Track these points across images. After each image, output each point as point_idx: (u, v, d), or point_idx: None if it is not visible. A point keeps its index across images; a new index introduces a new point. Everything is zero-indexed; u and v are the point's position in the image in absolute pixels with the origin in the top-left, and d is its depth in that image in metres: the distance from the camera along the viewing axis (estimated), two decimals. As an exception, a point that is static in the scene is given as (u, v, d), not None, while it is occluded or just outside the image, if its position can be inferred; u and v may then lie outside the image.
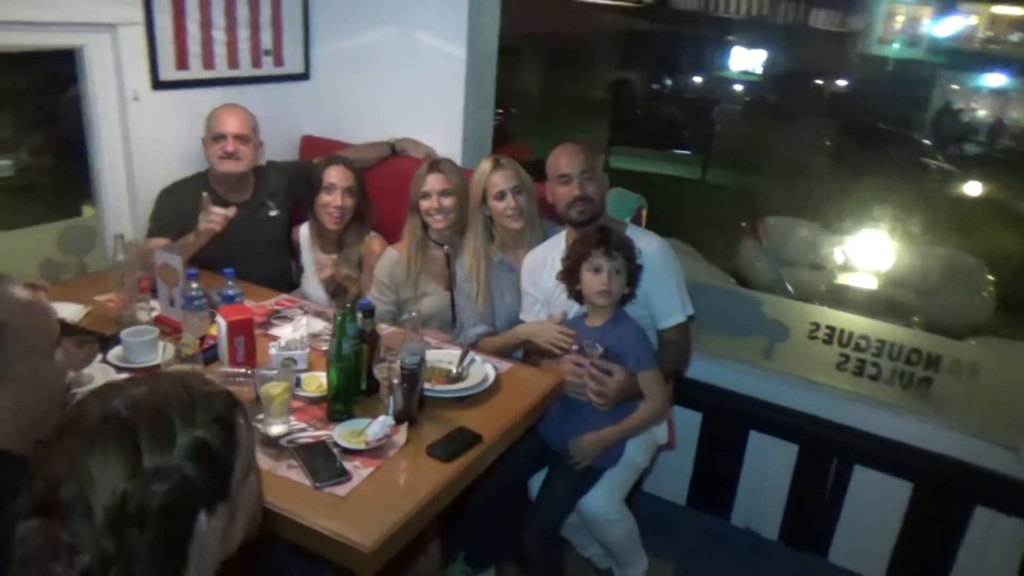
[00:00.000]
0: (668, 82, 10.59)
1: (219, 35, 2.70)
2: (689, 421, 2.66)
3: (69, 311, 2.13)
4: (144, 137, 2.55)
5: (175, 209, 2.47)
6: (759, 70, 10.77)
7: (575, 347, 2.09)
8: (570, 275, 2.07)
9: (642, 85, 9.95)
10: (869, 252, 5.10)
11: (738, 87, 10.78)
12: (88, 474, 0.74)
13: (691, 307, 2.21)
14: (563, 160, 2.18)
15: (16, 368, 1.13)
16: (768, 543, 2.66)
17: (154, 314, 2.13)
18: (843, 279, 4.69)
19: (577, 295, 2.09)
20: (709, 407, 2.64)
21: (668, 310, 2.18)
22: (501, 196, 2.31)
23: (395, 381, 1.72)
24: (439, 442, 1.67)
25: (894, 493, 2.38)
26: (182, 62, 2.60)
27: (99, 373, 1.81)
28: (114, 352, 1.90)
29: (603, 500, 2.06)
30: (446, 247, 2.47)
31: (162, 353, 1.90)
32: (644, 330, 2.11)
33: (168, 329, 2.06)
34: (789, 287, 4.00)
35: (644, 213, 2.55)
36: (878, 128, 9.57)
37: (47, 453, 0.77)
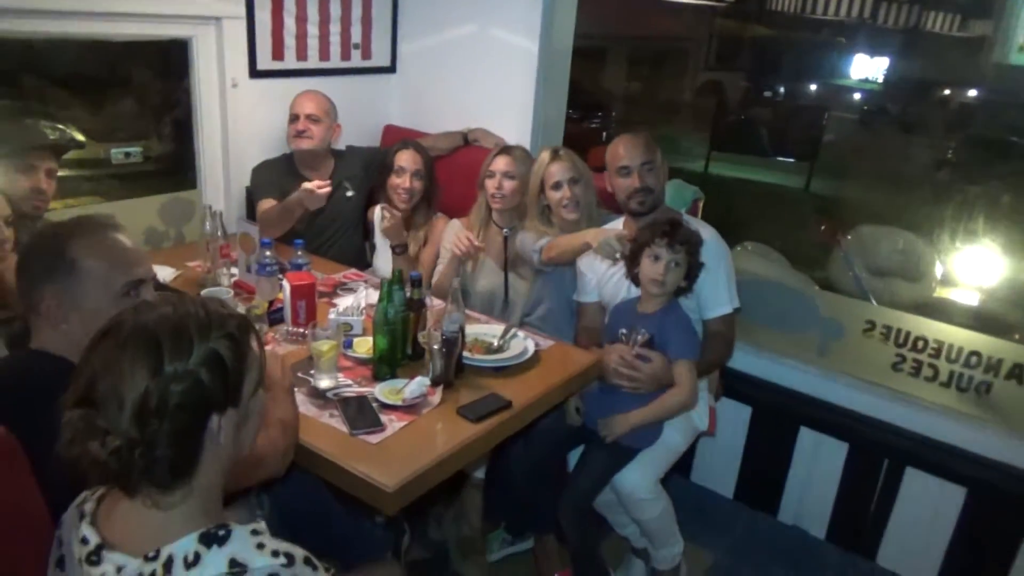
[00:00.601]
0: (773, 87, 10.28)
1: (312, 29, 2.93)
2: (739, 415, 2.67)
3: (164, 273, 2.39)
4: (241, 121, 2.82)
5: (269, 180, 2.72)
6: (873, 77, 10.28)
7: (623, 331, 2.16)
8: (632, 258, 2.13)
9: (742, 90, 9.71)
10: (974, 266, 4.86)
11: (853, 95, 10.33)
12: (120, 373, 0.90)
13: (738, 300, 2.23)
14: (623, 152, 2.25)
15: (86, 302, 1.33)
16: (815, 542, 2.62)
17: (234, 279, 2.35)
18: (942, 292, 4.49)
19: (634, 278, 2.15)
20: (759, 402, 2.64)
21: (715, 301, 2.22)
22: (558, 186, 2.41)
23: (435, 347, 1.86)
24: (470, 404, 1.79)
25: (947, 498, 2.31)
26: (278, 53, 2.84)
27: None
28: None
29: (638, 478, 2.11)
30: (505, 229, 2.58)
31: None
32: (690, 322, 2.16)
33: (244, 293, 2.28)
34: (872, 297, 3.88)
35: (700, 205, 2.58)
36: (1009, 141, 8.98)
37: (89, 355, 0.94)
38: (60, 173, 2.35)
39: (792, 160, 9.68)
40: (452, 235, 2.62)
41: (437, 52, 3.15)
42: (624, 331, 2.15)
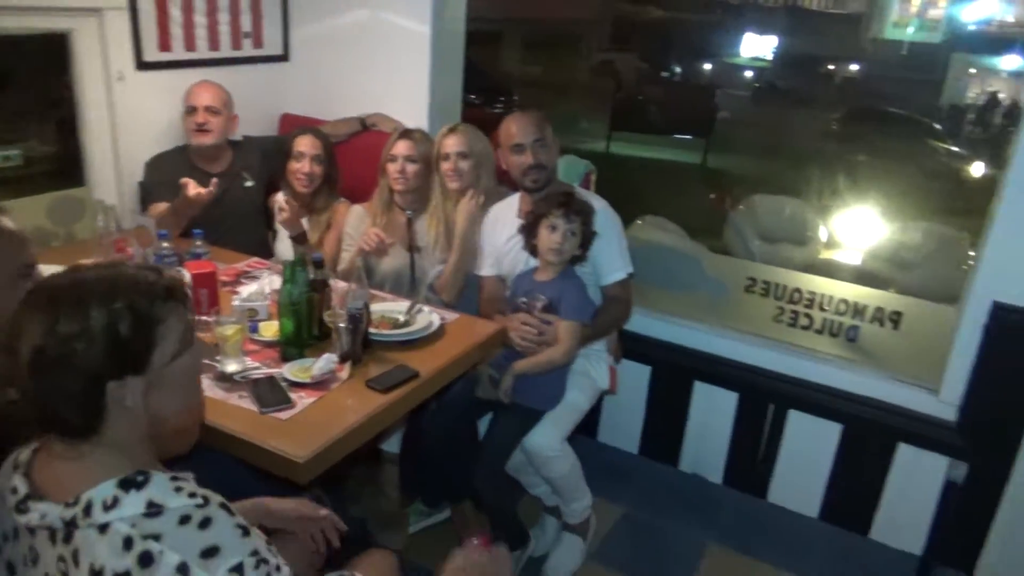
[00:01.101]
0: (668, 68, 10.62)
1: (200, 19, 2.89)
2: (640, 374, 2.83)
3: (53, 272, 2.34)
4: (130, 114, 2.76)
5: (161, 177, 2.69)
6: (763, 55, 10.75)
7: (523, 299, 2.27)
8: (529, 229, 2.24)
9: (639, 70, 10.00)
10: (854, 228, 5.22)
11: (745, 72, 10.79)
12: (20, 325, 0.96)
13: (631, 266, 2.38)
14: (515, 130, 2.34)
15: None
16: (713, 487, 2.82)
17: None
18: (826, 254, 4.82)
19: (532, 248, 2.26)
20: (657, 361, 2.81)
21: (610, 267, 2.35)
22: (447, 158, 2.50)
23: (341, 325, 1.91)
24: (378, 376, 1.86)
25: (826, 435, 2.53)
26: (165, 44, 2.80)
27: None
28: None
29: (545, 437, 2.23)
30: (408, 211, 2.65)
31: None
32: (585, 288, 2.29)
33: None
34: (757, 258, 4.14)
35: (593, 179, 2.71)
36: (887, 112, 9.58)
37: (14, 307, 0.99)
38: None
39: (689, 137, 10.07)
40: (355, 220, 2.66)
41: (330, 38, 3.16)
42: (524, 299, 2.26)
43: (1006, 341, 2.18)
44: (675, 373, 2.79)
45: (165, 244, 2.21)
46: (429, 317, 2.16)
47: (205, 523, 0.96)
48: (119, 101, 2.72)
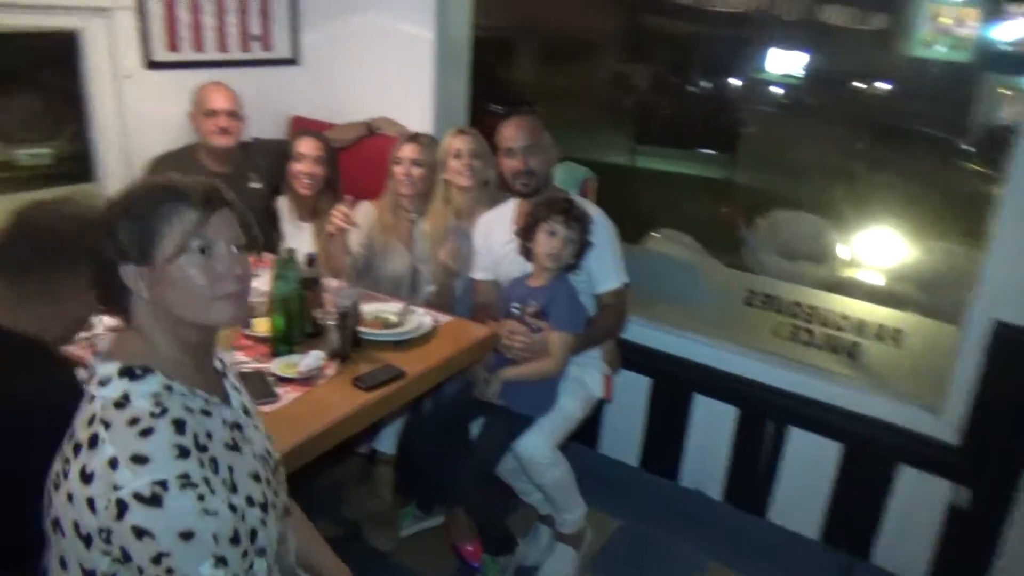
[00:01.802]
0: (696, 82, 10.54)
1: (209, 20, 2.92)
2: (640, 385, 2.80)
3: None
4: (138, 113, 2.79)
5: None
6: (794, 72, 10.61)
7: (515, 304, 2.25)
8: (526, 233, 2.22)
9: (665, 84, 9.94)
10: (878, 248, 5.13)
11: (774, 88, 10.66)
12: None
13: (626, 275, 2.35)
14: (509, 134, 2.33)
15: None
16: (713, 503, 2.76)
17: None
18: (846, 272, 4.74)
19: (527, 252, 2.24)
20: (658, 372, 2.77)
21: (605, 276, 2.33)
22: (457, 155, 2.49)
23: (331, 322, 1.91)
24: (365, 375, 1.85)
25: (826, 453, 2.47)
26: (173, 44, 2.83)
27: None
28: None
29: (536, 443, 2.20)
30: (412, 215, 2.64)
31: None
32: (576, 295, 2.26)
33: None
34: (774, 276, 4.09)
35: (593, 187, 2.69)
36: (915, 131, 9.43)
37: None
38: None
39: (713, 152, 9.99)
40: (361, 217, 2.66)
41: (339, 43, 3.18)
42: (516, 305, 2.24)
43: (1008, 361, 2.12)
44: (675, 385, 2.75)
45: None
46: (421, 318, 2.15)
47: (147, 432, 1.01)
48: (128, 99, 2.75)
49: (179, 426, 1.04)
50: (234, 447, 1.15)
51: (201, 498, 1.00)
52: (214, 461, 1.07)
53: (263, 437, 1.30)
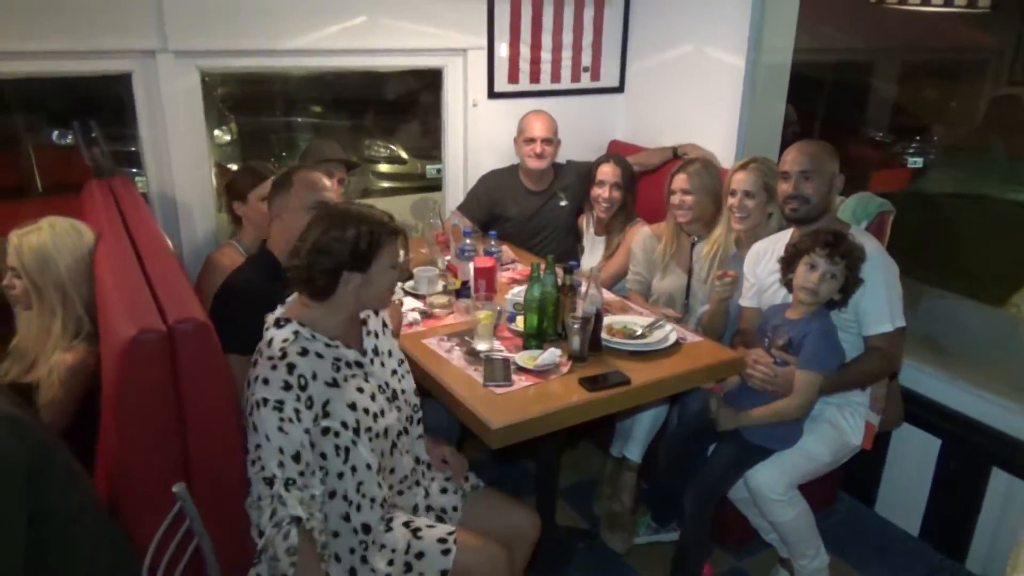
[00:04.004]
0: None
1: (546, 55, 3.36)
2: (927, 446, 2.50)
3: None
4: (478, 135, 3.33)
5: (486, 190, 3.20)
6: None
7: (768, 333, 2.23)
8: (788, 263, 2.20)
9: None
10: None
11: None
12: (310, 229, 1.65)
13: (902, 319, 2.15)
14: (788, 157, 2.28)
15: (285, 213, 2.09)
16: (1002, 599, 2.35)
17: (447, 261, 2.83)
18: None
19: (788, 283, 2.21)
20: (949, 434, 2.44)
21: (876, 318, 2.17)
22: (733, 194, 2.51)
23: (574, 326, 2.13)
24: (593, 376, 2.03)
25: None
26: (513, 77, 3.32)
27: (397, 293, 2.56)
28: (409, 282, 2.64)
29: (768, 477, 2.16)
30: (693, 237, 2.74)
31: (436, 285, 2.59)
32: (834, 334, 2.15)
33: (451, 274, 2.75)
34: None
35: (889, 219, 2.48)
36: None
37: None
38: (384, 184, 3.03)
39: None
40: (641, 240, 2.83)
41: (658, 71, 3.39)
42: (768, 333, 2.21)
43: None
44: (970, 453, 2.40)
45: (468, 240, 2.65)
46: (666, 334, 2.25)
47: (274, 367, 1.56)
48: (471, 124, 3.30)
49: (289, 368, 1.56)
50: (333, 384, 1.63)
51: (281, 420, 1.54)
52: (310, 398, 1.58)
53: (387, 372, 1.80)
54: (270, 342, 1.60)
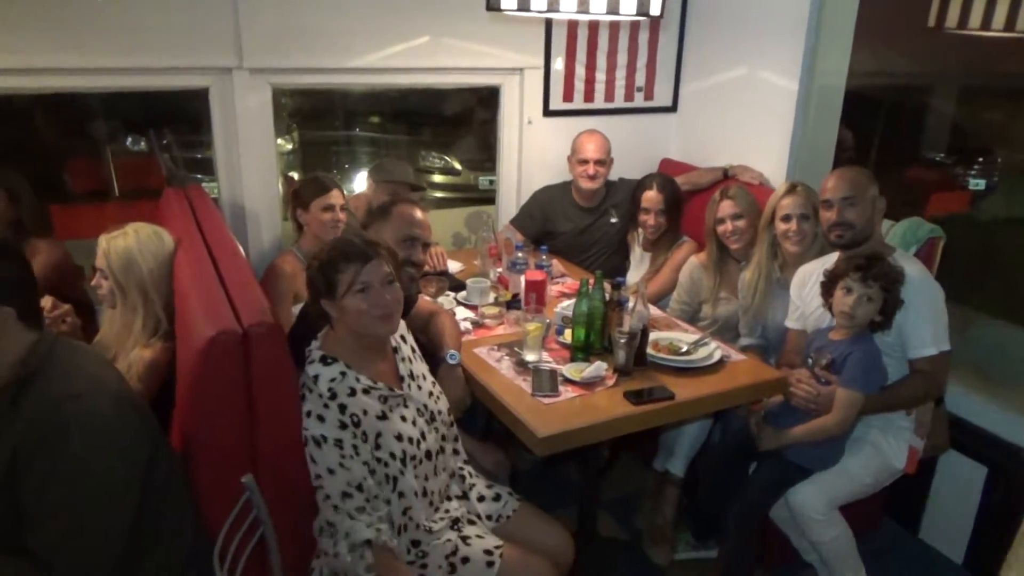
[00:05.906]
0: None
1: (600, 75, 3.44)
2: (973, 473, 2.49)
3: (454, 267, 3.07)
4: (533, 151, 3.43)
5: (539, 205, 3.29)
6: None
7: (811, 354, 2.26)
8: (827, 288, 2.24)
9: None
10: None
11: None
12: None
13: (947, 343, 2.17)
14: (829, 185, 2.30)
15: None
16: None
17: (499, 274, 2.93)
18: None
19: (829, 307, 2.25)
20: (996, 464, 2.43)
21: (918, 341, 2.18)
22: (787, 219, 2.53)
23: (620, 340, 2.20)
24: (638, 390, 2.09)
25: None
26: (568, 96, 3.40)
27: (447, 303, 2.66)
28: (461, 292, 2.74)
29: (808, 496, 2.19)
30: (742, 262, 2.77)
31: (488, 297, 2.68)
32: (877, 356, 2.18)
33: (502, 286, 2.84)
34: None
35: (939, 245, 2.48)
36: None
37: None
38: (438, 194, 3.14)
39: None
40: (689, 270, 2.86)
41: (712, 93, 3.44)
42: (812, 354, 2.25)
43: None
44: (1017, 483, 2.38)
45: (519, 254, 2.75)
46: (711, 351, 2.30)
47: (326, 406, 1.67)
48: (526, 141, 3.40)
49: (342, 409, 1.68)
50: (382, 416, 1.73)
51: (343, 456, 1.65)
52: (364, 433, 1.69)
53: (424, 394, 1.88)
54: (316, 378, 1.70)
